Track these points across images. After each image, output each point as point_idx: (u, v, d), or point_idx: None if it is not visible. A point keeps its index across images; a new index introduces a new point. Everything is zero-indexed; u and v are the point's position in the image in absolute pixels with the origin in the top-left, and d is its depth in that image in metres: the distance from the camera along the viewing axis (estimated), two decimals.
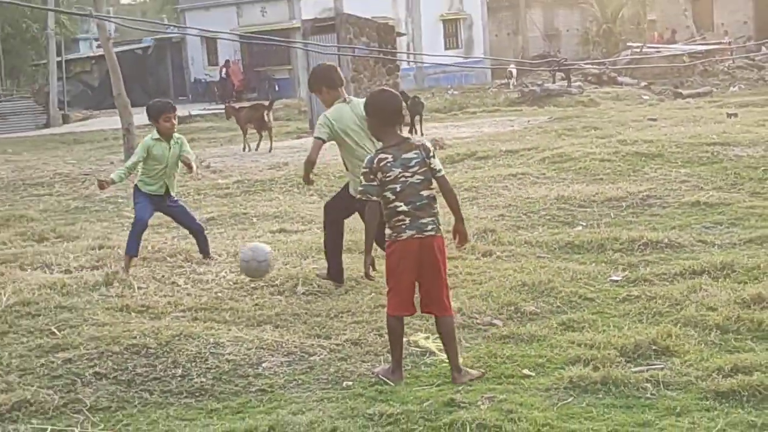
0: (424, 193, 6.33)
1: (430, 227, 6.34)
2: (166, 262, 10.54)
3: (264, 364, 7.01)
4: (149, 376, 6.83)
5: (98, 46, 52.22)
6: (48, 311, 8.26)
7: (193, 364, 6.97)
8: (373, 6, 44.17)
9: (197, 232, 10.83)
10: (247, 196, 16.07)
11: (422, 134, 22.11)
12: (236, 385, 6.69)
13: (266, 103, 26.05)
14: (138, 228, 10.17)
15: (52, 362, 7.07)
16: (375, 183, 6.32)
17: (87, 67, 53.03)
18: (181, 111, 40.04)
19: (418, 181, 6.29)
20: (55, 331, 7.67)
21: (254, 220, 13.58)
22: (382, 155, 6.34)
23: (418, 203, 6.28)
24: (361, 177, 6.45)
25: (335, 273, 9.40)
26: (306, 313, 8.34)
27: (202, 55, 52.43)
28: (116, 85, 24.25)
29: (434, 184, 6.44)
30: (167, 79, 54.60)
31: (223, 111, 29.48)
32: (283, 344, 7.39)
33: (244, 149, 24.55)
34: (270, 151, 23.81)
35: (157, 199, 10.42)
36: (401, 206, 6.27)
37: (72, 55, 51.71)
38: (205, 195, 16.49)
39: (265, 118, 24.15)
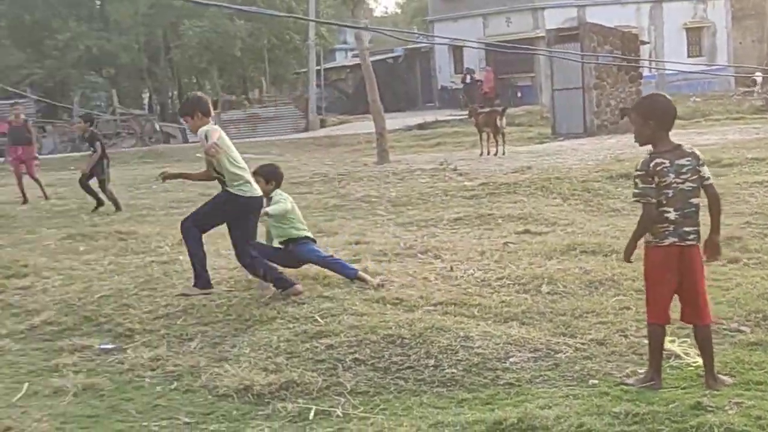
0: (693, 200, 6.11)
1: (691, 236, 6.12)
2: (417, 259, 10.68)
3: (511, 359, 7.02)
4: (404, 365, 6.97)
5: (354, 56, 53.54)
6: (311, 300, 8.53)
7: (445, 355, 7.06)
8: (617, 15, 43.60)
9: None
10: (492, 198, 16.10)
11: None
12: (485, 378, 6.73)
13: (500, 109, 26.22)
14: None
15: (316, 347, 7.32)
16: (653, 185, 6.09)
17: (342, 76, 54.35)
18: (429, 116, 40.83)
19: (689, 188, 6.07)
20: (318, 318, 7.92)
21: (499, 221, 13.59)
22: (659, 159, 6.11)
23: (686, 210, 6.06)
24: (637, 180, 6.25)
25: (205, 282, 9.45)
26: (551, 312, 8.27)
27: (449, 63, 52.84)
28: (371, 91, 24.83)
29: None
30: (416, 86, 55.27)
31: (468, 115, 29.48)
32: (530, 341, 7.37)
33: (480, 154, 24.72)
34: (496, 155, 24.01)
35: None
36: (670, 212, 6.07)
37: (329, 65, 53.13)
38: (452, 196, 16.61)
39: (498, 123, 24.28)
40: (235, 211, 9.22)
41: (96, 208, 17.38)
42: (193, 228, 9.48)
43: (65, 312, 9.08)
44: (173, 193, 19.67)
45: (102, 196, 17.46)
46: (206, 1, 22.54)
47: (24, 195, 19.64)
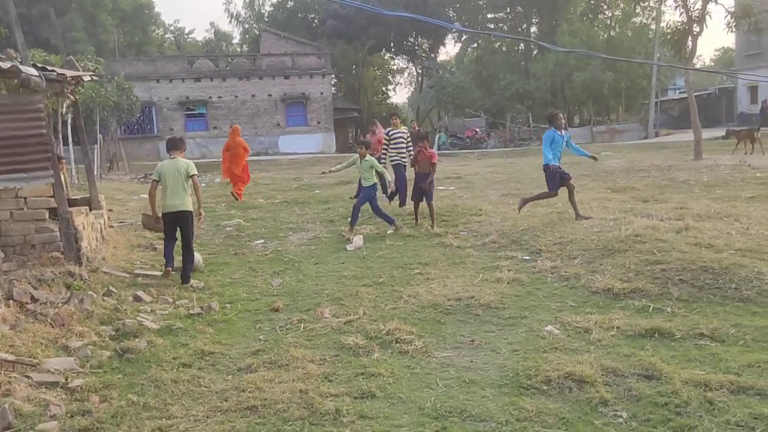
0: None
1: None
2: (723, 221, 9.44)
3: None
4: (713, 286, 6.31)
5: (680, 93, 49.10)
6: (651, 240, 7.77)
7: (743, 282, 6.29)
8: None
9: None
10: None
11: None
12: None
13: (756, 128, 23.41)
14: None
15: (654, 269, 6.80)
16: None
17: (672, 105, 50.10)
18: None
19: None
20: (655, 252, 7.33)
21: None
22: None
23: None
24: None
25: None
26: None
27: (746, 97, 46.38)
28: (693, 114, 22.57)
29: None
30: (721, 112, 49.08)
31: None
32: None
33: (733, 153, 22.62)
34: (752, 154, 21.91)
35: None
36: None
37: (663, 98, 48.93)
38: (747, 183, 14.54)
39: (755, 135, 22.69)
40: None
41: None
42: None
43: (502, 236, 9.26)
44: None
45: None
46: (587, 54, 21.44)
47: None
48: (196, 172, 7.79)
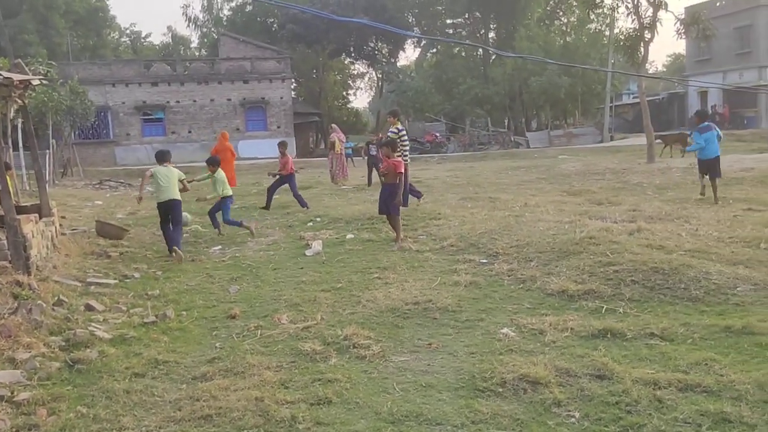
0: None
1: None
2: (674, 222, 9.72)
3: (738, 289, 6.26)
4: (664, 286, 6.45)
5: (634, 97, 50.29)
6: (604, 242, 7.96)
7: (692, 282, 6.44)
8: None
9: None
10: (725, 187, 14.02)
11: None
12: (719, 299, 6.08)
13: (688, 132, 24.54)
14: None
15: (607, 271, 6.91)
16: None
17: (626, 110, 51.29)
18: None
19: None
20: (608, 254, 7.46)
21: (730, 201, 12.10)
22: None
23: None
24: None
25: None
26: None
27: (697, 102, 47.72)
28: (645, 118, 23.12)
29: None
30: (673, 116, 50.43)
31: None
32: (752, 278, 6.53)
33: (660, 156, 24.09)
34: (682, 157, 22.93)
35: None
36: None
37: (618, 103, 49.99)
38: (698, 185, 14.83)
39: (688, 140, 23.12)
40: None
41: None
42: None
43: (460, 240, 9.31)
44: (520, 177, 19.49)
45: None
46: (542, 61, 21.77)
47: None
48: (184, 176, 10.28)
